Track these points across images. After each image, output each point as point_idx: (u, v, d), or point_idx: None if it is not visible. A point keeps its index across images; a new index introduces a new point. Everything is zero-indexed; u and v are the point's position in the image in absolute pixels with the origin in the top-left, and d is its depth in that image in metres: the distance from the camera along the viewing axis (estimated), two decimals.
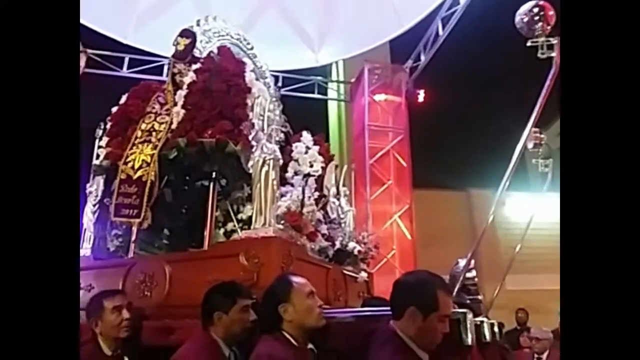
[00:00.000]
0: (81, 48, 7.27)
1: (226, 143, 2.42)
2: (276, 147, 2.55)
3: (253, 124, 2.60)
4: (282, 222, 2.46)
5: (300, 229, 2.51)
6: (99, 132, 3.18)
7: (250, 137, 2.56)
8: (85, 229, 3.11)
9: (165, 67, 7.48)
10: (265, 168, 2.45)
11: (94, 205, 3.10)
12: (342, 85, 8.72)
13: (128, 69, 7.57)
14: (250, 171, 2.57)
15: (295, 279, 1.82)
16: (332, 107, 9.12)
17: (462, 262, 3.35)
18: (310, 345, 1.76)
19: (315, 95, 8.41)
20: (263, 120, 2.71)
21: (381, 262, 6.50)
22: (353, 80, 8.25)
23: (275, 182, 2.46)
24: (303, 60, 7.76)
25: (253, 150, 2.54)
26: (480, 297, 2.98)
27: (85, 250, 3.03)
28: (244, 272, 2.17)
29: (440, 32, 7.10)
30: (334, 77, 8.88)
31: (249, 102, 2.63)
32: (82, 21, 6.75)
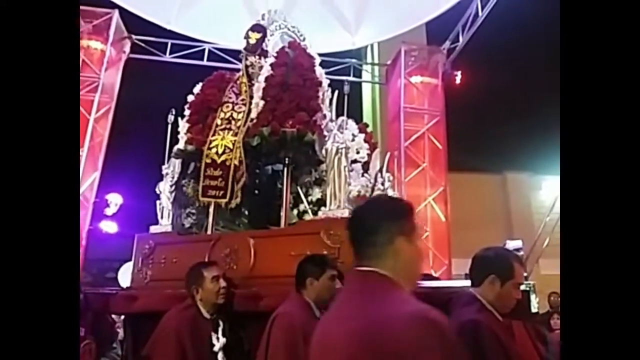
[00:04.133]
0: (126, 34, 7.57)
1: (305, 133, 2.67)
2: (346, 137, 2.79)
3: (325, 115, 2.84)
4: (353, 204, 2.71)
5: None
6: (171, 117, 3.39)
7: (322, 127, 2.81)
8: (163, 207, 3.42)
9: (206, 52, 7.79)
10: (338, 156, 2.70)
11: (171, 186, 3.40)
12: (376, 68, 8.79)
13: (170, 54, 7.83)
14: (322, 158, 2.83)
15: None
16: (366, 90, 9.22)
17: (510, 244, 3.59)
18: None
19: (350, 78, 8.53)
20: (331, 111, 2.95)
21: None
22: (389, 62, 8.31)
23: (346, 169, 2.71)
24: (340, 43, 7.88)
25: (325, 139, 2.78)
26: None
27: (166, 226, 3.34)
28: (325, 248, 2.45)
29: (480, 12, 7.06)
30: (368, 59, 8.95)
31: (320, 94, 2.87)
32: (127, 7, 7.03)
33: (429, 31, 8.50)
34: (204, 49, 7.84)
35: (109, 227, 8.45)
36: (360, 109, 9.05)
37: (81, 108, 6.73)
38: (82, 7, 6.96)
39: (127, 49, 7.63)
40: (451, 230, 7.08)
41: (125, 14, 7.21)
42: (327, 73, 8.52)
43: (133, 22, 7.39)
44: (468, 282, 1.92)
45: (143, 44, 7.73)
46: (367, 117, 8.92)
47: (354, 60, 8.55)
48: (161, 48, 7.79)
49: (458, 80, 7.60)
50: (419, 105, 7.77)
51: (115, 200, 8.74)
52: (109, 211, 8.65)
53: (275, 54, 3.07)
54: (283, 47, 3.13)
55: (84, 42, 7.14)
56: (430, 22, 7.51)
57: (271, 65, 2.94)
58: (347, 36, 7.94)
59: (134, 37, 7.63)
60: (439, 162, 7.45)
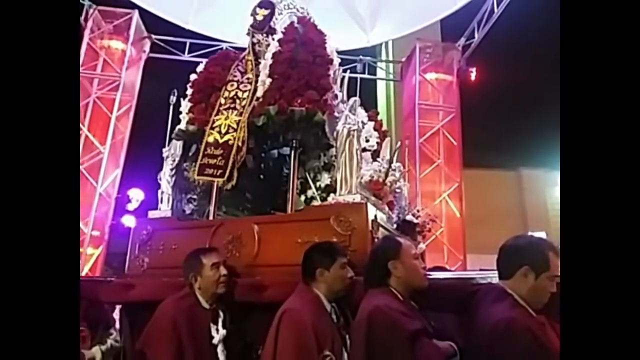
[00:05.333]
0: (146, 34, 7.60)
1: (315, 112, 2.49)
2: (359, 119, 2.60)
3: (336, 95, 2.66)
4: (365, 190, 2.53)
5: (381, 198, 2.58)
6: (173, 98, 3.18)
7: (333, 107, 2.62)
8: (163, 192, 3.23)
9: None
10: (350, 138, 2.51)
11: (172, 170, 3.21)
12: (391, 65, 8.63)
13: (189, 53, 7.81)
14: (332, 141, 2.65)
15: (403, 240, 1.89)
16: (381, 87, 9.06)
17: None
18: (412, 303, 1.83)
19: (365, 75, 8.38)
20: (343, 92, 2.77)
21: (429, 239, 6.54)
22: (403, 59, 8.17)
23: (359, 152, 2.52)
24: (354, 40, 7.72)
25: (336, 120, 2.60)
26: None
27: (165, 212, 3.10)
28: (336, 235, 2.26)
29: (495, 9, 6.90)
30: (383, 56, 8.79)
31: (331, 72, 2.69)
32: (147, 7, 7.05)
33: (444, 28, 8.36)
34: (221, 48, 7.75)
35: (131, 222, 8.50)
36: (375, 105, 8.89)
37: (103, 106, 6.99)
38: (102, 8, 7.20)
39: (147, 48, 7.74)
40: (466, 227, 6.95)
41: (144, 14, 7.27)
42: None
43: (152, 22, 7.46)
44: (494, 274, 1.72)
45: (162, 44, 7.79)
46: (382, 114, 8.72)
47: (368, 58, 8.40)
48: (180, 47, 7.84)
49: (473, 76, 7.51)
50: (434, 102, 7.68)
51: (136, 196, 8.78)
52: (131, 206, 8.70)
53: (283, 30, 2.89)
54: (292, 23, 2.96)
55: (105, 42, 7.31)
56: (445, 18, 7.37)
57: (279, 41, 2.77)
58: (361, 34, 7.81)
59: (153, 36, 7.70)
60: (453, 159, 7.36)
